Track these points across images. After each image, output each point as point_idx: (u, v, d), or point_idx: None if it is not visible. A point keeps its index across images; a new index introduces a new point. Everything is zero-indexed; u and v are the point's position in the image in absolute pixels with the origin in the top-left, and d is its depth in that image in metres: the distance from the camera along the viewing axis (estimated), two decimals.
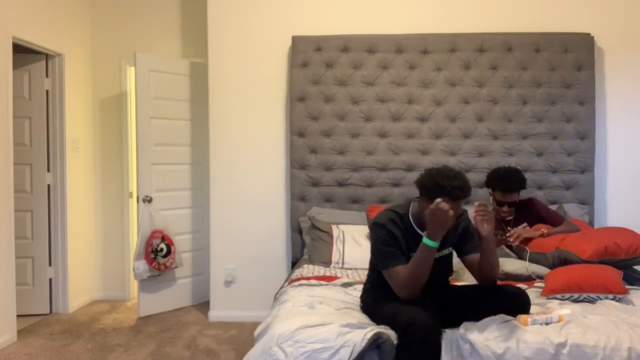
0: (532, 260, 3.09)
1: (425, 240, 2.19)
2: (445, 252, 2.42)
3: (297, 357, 2.07)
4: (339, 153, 4.11)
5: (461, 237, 2.43)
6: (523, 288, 2.81)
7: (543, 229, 3.26)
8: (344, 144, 4.10)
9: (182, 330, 4.06)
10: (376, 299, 2.39)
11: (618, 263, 2.84)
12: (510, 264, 3.03)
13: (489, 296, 2.34)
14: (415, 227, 2.35)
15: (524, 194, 3.79)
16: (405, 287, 2.23)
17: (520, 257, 3.20)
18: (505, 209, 3.35)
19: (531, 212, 3.43)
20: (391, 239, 2.30)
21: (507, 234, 3.17)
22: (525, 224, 3.40)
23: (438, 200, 2.13)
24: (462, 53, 4.07)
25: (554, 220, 3.37)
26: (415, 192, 3.99)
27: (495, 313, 2.26)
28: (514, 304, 2.30)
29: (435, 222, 2.14)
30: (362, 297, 2.53)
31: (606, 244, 2.85)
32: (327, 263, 3.58)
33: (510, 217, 3.43)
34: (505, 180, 3.31)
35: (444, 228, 2.16)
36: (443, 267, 2.43)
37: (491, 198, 3.43)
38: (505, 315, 2.24)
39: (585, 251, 2.86)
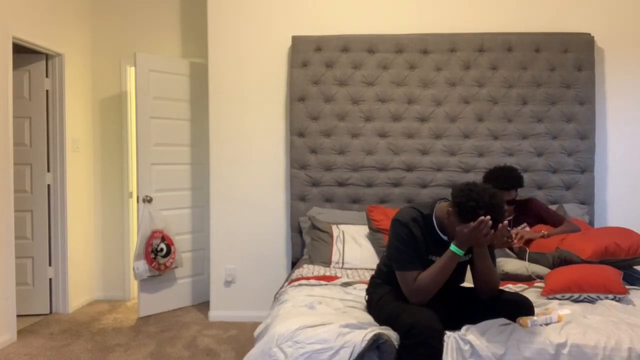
0: (531, 260, 3.08)
1: (453, 247, 2.16)
2: (463, 258, 2.35)
3: (297, 358, 2.06)
4: (339, 153, 4.11)
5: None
6: (523, 288, 2.83)
7: (544, 230, 3.25)
8: (344, 144, 4.10)
9: (182, 330, 4.06)
10: (381, 296, 2.36)
11: (618, 263, 2.84)
12: (510, 264, 3.03)
13: (492, 301, 2.31)
14: (437, 229, 2.29)
15: (524, 194, 3.79)
16: (419, 293, 2.21)
17: (520, 257, 3.20)
18: (505, 207, 3.33)
19: (531, 212, 3.43)
20: (410, 239, 2.25)
21: (510, 236, 3.16)
22: (525, 224, 3.40)
23: (488, 218, 2.07)
24: (462, 53, 4.07)
25: (554, 220, 3.36)
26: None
27: (496, 318, 2.24)
28: (516, 312, 2.27)
29: (473, 236, 2.10)
30: (368, 290, 2.50)
31: (606, 244, 2.85)
32: (327, 263, 3.58)
33: (510, 217, 3.42)
34: (502, 179, 3.29)
35: (476, 243, 2.14)
36: (459, 273, 2.38)
37: None
38: (505, 319, 2.23)
39: (585, 251, 2.86)
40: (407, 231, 2.25)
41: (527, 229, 3.36)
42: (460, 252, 2.16)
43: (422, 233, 2.27)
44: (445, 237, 2.28)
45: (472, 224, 2.09)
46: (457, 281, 2.43)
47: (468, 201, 2.10)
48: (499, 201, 2.11)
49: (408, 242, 2.25)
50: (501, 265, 3.03)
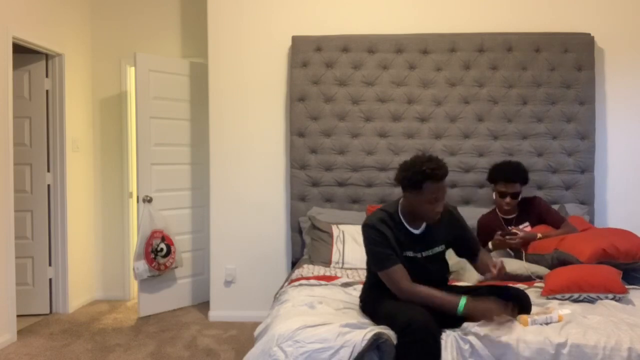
0: (530, 262, 3.09)
1: (461, 305, 2.13)
2: (437, 249, 2.43)
3: (297, 357, 2.07)
4: (339, 153, 4.11)
5: (457, 240, 2.48)
6: (523, 288, 2.82)
7: (539, 233, 3.24)
8: (344, 144, 4.10)
9: (182, 330, 4.06)
10: (375, 299, 2.39)
11: (616, 267, 2.83)
12: (510, 264, 3.02)
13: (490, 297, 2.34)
14: (405, 223, 2.36)
15: (525, 194, 3.78)
16: (407, 296, 2.23)
17: (518, 257, 3.20)
18: (507, 200, 3.32)
19: (534, 211, 3.41)
20: (382, 239, 2.30)
21: (509, 235, 3.16)
22: (527, 223, 3.39)
23: (507, 318, 2.10)
24: (462, 53, 4.07)
25: (554, 220, 3.35)
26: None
27: None
28: (515, 306, 2.28)
29: (483, 313, 2.11)
30: (361, 296, 2.53)
31: (604, 247, 2.84)
32: (327, 263, 3.58)
33: (513, 215, 3.41)
34: (507, 170, 3.32)
35: (481, 316, 2.13)
36: (437, 264, 2.44)
37: (494, 193, 3.41)
38: (505, 316, 2.24)
39: (583, 253, 2.86)
40: (376, 232, 2.31)
41: (528, 228, 3.36)
42: (460, 311, 2.14)
43: (392, 232, 2.32)
44: (415, 231, 2.36)
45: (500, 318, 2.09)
46: (440, 274, 2.48)
47: (408, 170, 2.24)
48: (434, 157, 2.26)
49: (381, 242, 2.30)
50: None
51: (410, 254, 2.35)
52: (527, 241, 3.20)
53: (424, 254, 2.39)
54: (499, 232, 3.20)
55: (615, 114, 4.16)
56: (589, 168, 4.04)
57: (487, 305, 2.12)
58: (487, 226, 3.44)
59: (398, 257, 2.30)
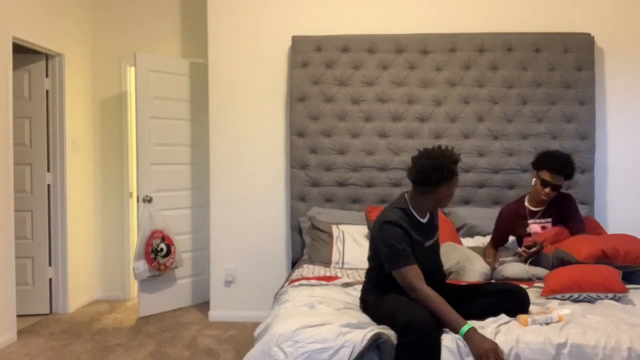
0: (531, 262, 3.08)
1: (462, 332, 2.11)
2: (437, 236, 2.53)
3: (297, 357, 2.07)
4: (339, 153, 4.11)
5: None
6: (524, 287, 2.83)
7: (548, 242, 3.19)
8: (344, 144, 4.10)
9: (182, 330, 4.06)
10: (375, 299, 2.39)
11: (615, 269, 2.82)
12: (510, 269, 3.02)
13: (488, 294, 2.37)
14: (417, 217, 2.42)
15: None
16: (419, 294, 2.24)
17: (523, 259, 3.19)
18: (547, 190, 3.18)
19: (562, 208, 3.30)
20: (405, 235, 2.33)
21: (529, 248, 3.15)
22: (549, 219, 3.32)
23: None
24: (462, 53, 4.07)
25: (575, 226, 3.25)
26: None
27: (494, 310, 2.28)
28: (513, 301, 2.33)
29: (481, 351, 2.04)
30: (361, 297, 2.54)
31: (603, 248, 2.84)
32: (327, 263, 3.58)
33: (541, 208, 3.31)
34: (557, 161, 3.18)
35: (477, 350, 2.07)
36: (434, 256, 2.53)
37: (534, 180, 3.28)
38: (505, 316, 2.25)
39: (581, 253, 2.86)
40: (399, 228, 2.33)
41: (550, 225, 3.30)
42: (461, 334, 2.11)
43: (412, 228, 2.37)
44: (423, 220, 2.43)
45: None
46: (437, 265, 2.56)
47: (442, 168, 2.28)
48: (438, 147, 2.37)
49: (402, 239, 2.32)
50: (501, 271, 3.03)
51: (428, 244, 2.44)
52: (540, 250, 3.16)
53: (432, 240, 2.49)
54: (522, 249, 3.16)
55: (615, 114, 4.16)
56: (589, 168, 4.04)
57: (489, 345, 2.04)
58: (510, 217, 3.36)
59: (417, 252, 2.34)
